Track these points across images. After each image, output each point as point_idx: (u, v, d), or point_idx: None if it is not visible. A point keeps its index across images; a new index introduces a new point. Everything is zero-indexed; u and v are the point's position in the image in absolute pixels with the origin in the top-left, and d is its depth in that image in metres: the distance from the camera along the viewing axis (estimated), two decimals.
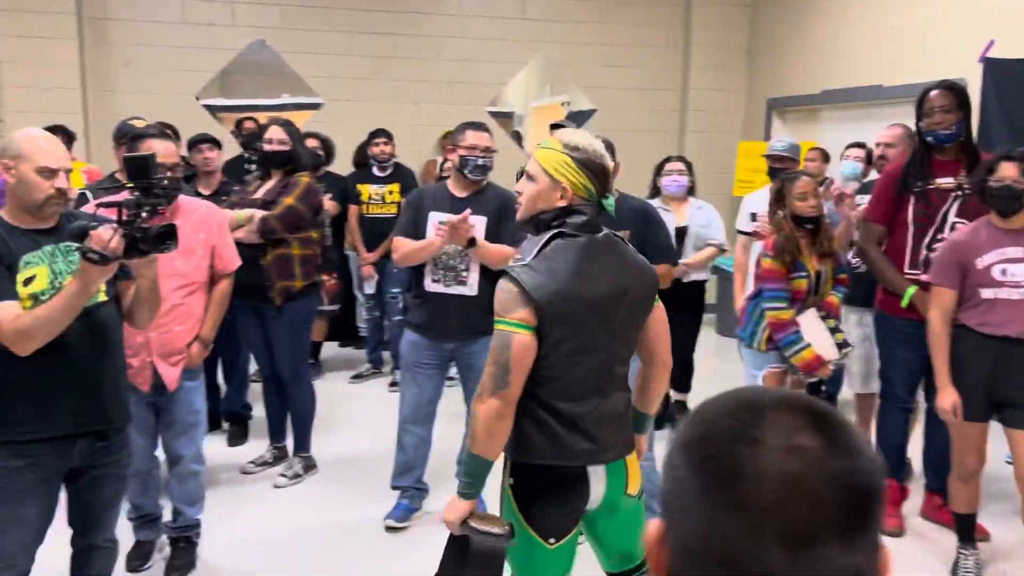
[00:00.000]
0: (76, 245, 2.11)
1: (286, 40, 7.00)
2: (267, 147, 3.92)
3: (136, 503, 3.25)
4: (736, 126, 7.93)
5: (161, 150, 2.92)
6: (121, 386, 2.43)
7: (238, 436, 4.61)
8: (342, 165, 5.94)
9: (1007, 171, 2.95)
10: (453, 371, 3.75)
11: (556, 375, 2.03)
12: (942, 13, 5.52)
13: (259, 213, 3.77)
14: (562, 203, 2.06)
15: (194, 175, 4.59)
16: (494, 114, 7.34)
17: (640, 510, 2.27)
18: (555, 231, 2.05)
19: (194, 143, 4.62)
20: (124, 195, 2.19)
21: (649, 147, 6.64)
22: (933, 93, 3.36)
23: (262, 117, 6.21)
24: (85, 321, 2.21)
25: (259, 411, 4.67)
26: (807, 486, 0.66)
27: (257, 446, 4.45)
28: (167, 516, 3.35)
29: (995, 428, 3.16)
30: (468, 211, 3.21)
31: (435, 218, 3.36)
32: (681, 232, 4.48)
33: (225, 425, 4.70)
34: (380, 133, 5.70)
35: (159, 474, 3.32)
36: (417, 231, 3.42)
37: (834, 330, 3.48)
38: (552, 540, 2.09)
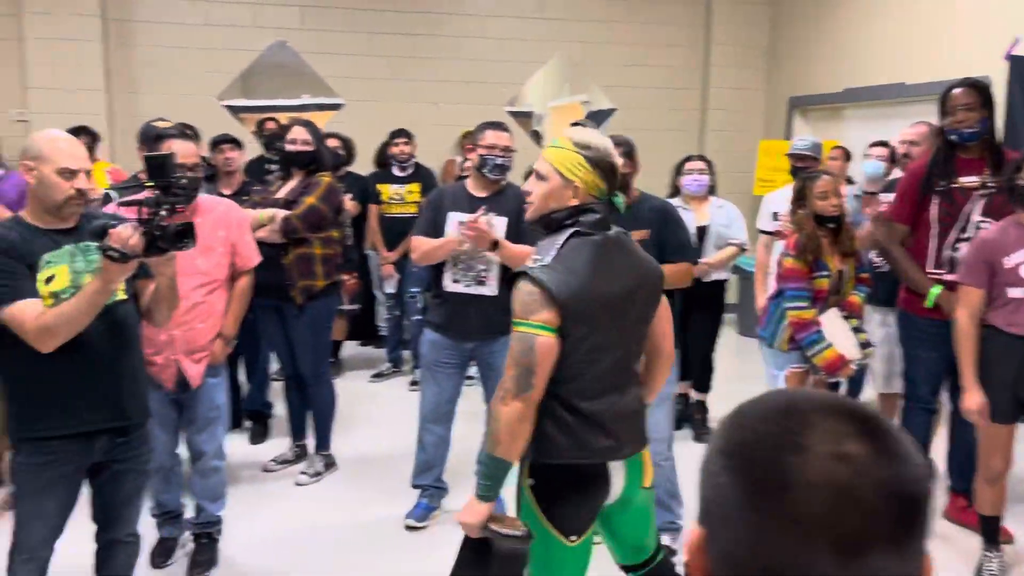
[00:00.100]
0: (97, 243, 2.14)
1: (307, 41, 7.04)
2: (291, 147, 3.95)
3: (159, 500, 3.29)
4: (757, 125, 7.89)
5: (181, 151, 2.95)
6: (140, 383, 2.45)
7: (259, 434, 4.65)
8: (362, 165, 5.97)
9: None
10: (473, 370, 3.76)
11: (576, 374, 2.03)
12: (967, 10, 5.46)
13: (281, 213, 3.80)
14: (574, 202, 2.07)
15: (215, 175, 4.63)
16: (513, 114, 7.35)
17: (652, 502, 2.30)
18: (572, 230, 2.05)
19: (216, 143, 4.66)
20: (145, 194, 2.22)
21: (669, 146, 6.62)
22: (956, 91, 3.32)
23: (283, 118, 6.26)
24: (104, 319, 2.24)
25: (280, 409, 4.71)
26: (857, 495, 0.65)
27: (278, 444, 4.48)
28: (189, 513, 3.39)
29: (1021, 429, 3.13)
30: (482, 210, 3.21)
31: (455, 218, 3.37)
32: (702, 231, 4.46)
33: (247, 423, 4.73)
34: (400, 133, 5.72)
35: (181, 471, 3.36)
36: (436, 231, 3.42)
37: (856, 330, 3.45)
38: (573, 538, 2.10)
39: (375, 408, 5.20)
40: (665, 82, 7.76)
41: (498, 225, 3.30)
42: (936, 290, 3.36)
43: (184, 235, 2.20)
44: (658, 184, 4.31)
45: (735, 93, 7.81)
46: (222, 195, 4.09)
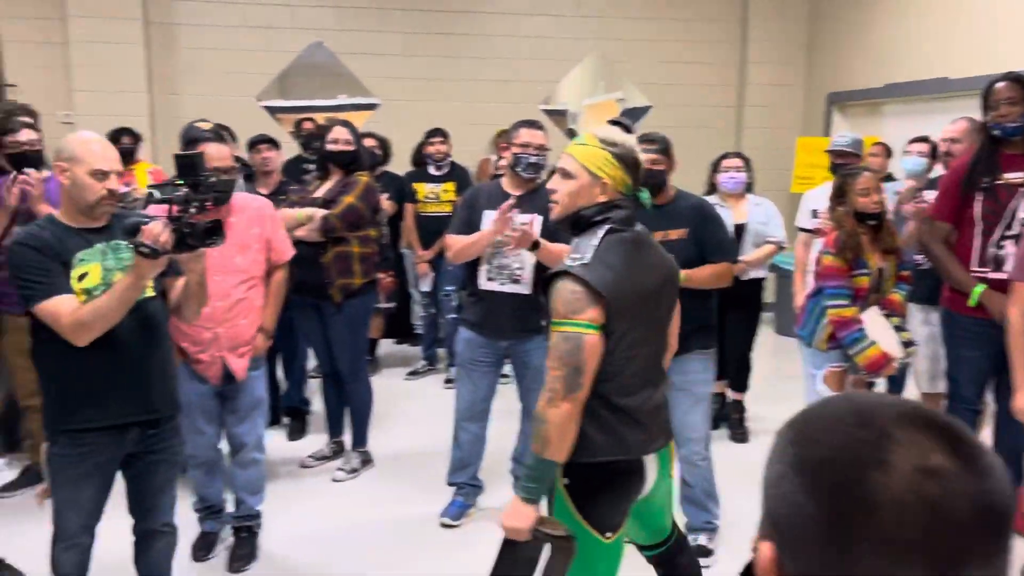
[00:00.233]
0: (129, 240, 2.21)
1: (343, 41, 7.10)
2: (332, 147, 3.99)
3: (201, 494, 3.35)
4: (795, 121, 7.79)
5: (215, 154, 3.02)
6: (169, 377, 2.52)
7: (297, 431, 4.71)
8: (399, 164, 6.00)
9: None
10: (508, 368, 3.77)
11: (617, 371, 2.04)
12: (1011, 2, 5.34)
13: (320, 212, 3.84)
14: (602, 199, 2.08)
15: (252, 175, 4.69)
16: (548, 112, 7.34)
17: (672, 487, 2.32)
18: (607, 227, 2.06)
19: (253, 144, 4.73)
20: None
21: (705, 144, 6.57)
22: (999, 85, 3.25)
23: (320, 118, 6.33)
24: (134, 316, 2.31)
25: (317, 406, 4.77)
26: (948, 512, 0.63)
27: (316, 440, 4.53)
28: (230, 507, 3.44)
29: None
30: (510, 201, 3.20)
31: (489, 217, 3.38)
32: (739, 229, 4.42)
33: (285, 420, 4.79)
34: (436, 132, 5.75)
35: (223, 465, 3.41)
36: (471, 229, 3.43)
37: (899, 328, 3.40)
38: (609, 534, 2.11)
39: (411, 406, 5.24)
40: (701, 79, 7.70)
41: (533, 223, 3.30)
42: (979, 289, 3.30)
43: (213, 232, 2.25)
44: (694, 182, 4.28)
45: (773, 89, 7.72)
46: (260, 195, 4.15)
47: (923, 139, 4.42)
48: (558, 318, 1.98)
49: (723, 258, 3.16)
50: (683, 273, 2.98)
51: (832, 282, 3.32)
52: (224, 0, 6.95)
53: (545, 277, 2.07)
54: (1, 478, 3.93)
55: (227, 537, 3.46)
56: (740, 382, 4.78)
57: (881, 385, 4.19)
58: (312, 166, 4.94)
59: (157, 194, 2.28)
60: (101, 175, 2.28)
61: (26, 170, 3.43)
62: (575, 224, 2.11)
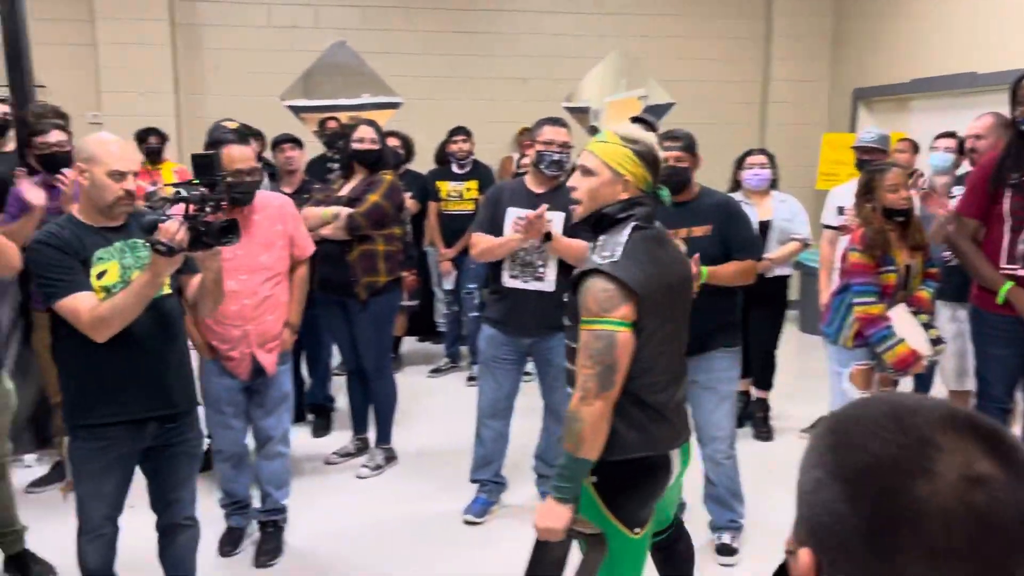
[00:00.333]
0: (146, 238, 2.26)
1: (366, 41, 7.13)
2: (358, 146, 4.02)
3: (227, 489, 3.39)
4: (820, 117, 7.72)
5: (239, 155, 3.06)
6: (186, 372, 2.56)
7: (322, 428, 4.74)
8: (422, 163, 6.03)
9: None
10: (530, 366, 3.77)
11: (647, 367, 2.04)
12: None
13: (345, 210, 3.87)
14: (624, 196, 2.08)
15: (275, 174, 4.73)
16: (571, 110, 7.33)
17: (682, 479, 2.33)
18: (633, 224, 2.06)
19: (276, 143, 4.77)
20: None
21: (729, 140, 6.52)
22: None
23: (344, 117, 6.36)
24: (151, 312, 2.36)
25: (341, 403, 4.80)
26: (996, 520, 0.62)
27: (340, 437, 4.57)
28: (256, 503, 3.47)
29: None
30: (544, 207, 3.22)
31: (513, 214, 3.38)
32: (764, 226, 4.39)
33: (309, 417, 4.83)
34: (459, 131, 5.77)
35: (249, 460, 3.45)
36: (495, 227, 3.44)
37: (927, 325, 3.36)
38: (638, 530, 2.11)
39: (433, 403, 5.25)
40: (725, 75, 7.65)
41: (554, 220, 3.31)
42: (1007, 286, 3.25)
43: (228, 231, 2.29)
44: (718, 179, 4.26)
45: (797, 85, 7.65)
46: (284, 193, 4.19)
47: (950, 135, 4.36)
48: (589, 316, 1.98)
49: (748, 255, 3.14)
50: (706, 270, 2.98)
51: (859, 279, 3.29)
52: (248, 1, 7.01)
53: (574, 276, 2.07)
54: (32, 474, 3.99)
55: (253, 532, 3.50)
56: (765, 380, 4.75)
57: (908, 383, 4.15)
58: (336, 165, 4.97)
59: (184, 192, 2.31)
60: (119, 175, 2.33)
61: (63, 171, 3.49)
62: (598, 222, 2.11)
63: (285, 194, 4.07)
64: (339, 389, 4.93)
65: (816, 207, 5.25)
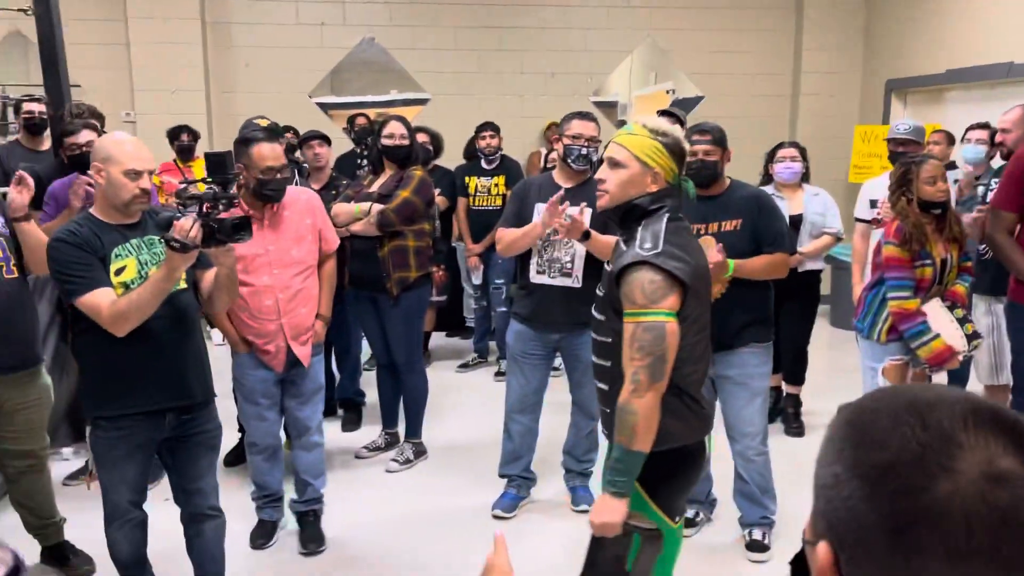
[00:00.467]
0: (161, 235, 2.33)
1: (395, 37, 7.16)
2: (388, 142, 4.04)
3: (259, 482, 3.42)
4: (852, 110, 7.62)
5: (269, 153, 3.10)
6: (202, 364, 2.62)
7: (352, 422, 4.78)
8: (450, 158, 6.04)
9: None
10: (558, 361, 3.77)
11: (686, 357, 2.05)
12: None
13: (376, 206, 3.89)
14: (653, 188, 2.09)
15: (302, 170, 4.77)
16: (599, 104, 7.30)
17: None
18: (667, 215, 2.08)
19: (304, 140, 4.81)
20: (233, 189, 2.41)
21: (759, 134, 6.48)
22: None
23: (372, 113, 6.39)
24: (168, 307, 2.42)
25: (371, 398, 4.83)
26: (1019, 519, 0.61)
27: (370, 432, 4.60)
28: (292, 494, 3.51)
29: None
30: (561, 192, 3.20)
31: (540, 209, 3.38)
32: (795, 220, 4.34)
33: (339, 411, 4.87)
34: (487, 126, 5.77)
35: (282, 454, 3.48)
36: (522, 222, 3.43)
37: (963, 320, 3.30)
38: (677, 519, 2.13)
39: (462, 398, 5.27)
40: (755, 68, 7.57)
41: (585, 215, 3.29)
42: None
43: (241, 228, 2.35)
44: (749, 173, 4.22)
45: (829, 77, 7.55)
46: (312, 189, 4.23)
47: (983, 126, 4.29)
48: (636, 308, 1.98)
49: (778, 249, 3.11)
50: (734, 263, 2.96)
51: (895, 273, 3.24)
52: None
53: (616, 269, 2.06)
54: (69, 467, 4.07)
55: (285, 525, 3.53)
56: (796, 375, 4.70)
57: (942, 378, 4.09)
58: (365, 161, 5.00)
59: (217, 191, 2.36)
60: (134, 174, 2.40)
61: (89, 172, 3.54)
62: (627, 214, 2.12)
63: (313, 190, 4.10)
64: (368, 384, 4.96)
65: (848, 200, 5.19)
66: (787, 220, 4.13)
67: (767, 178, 4.53)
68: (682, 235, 2.09)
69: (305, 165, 4.83)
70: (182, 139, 6.07)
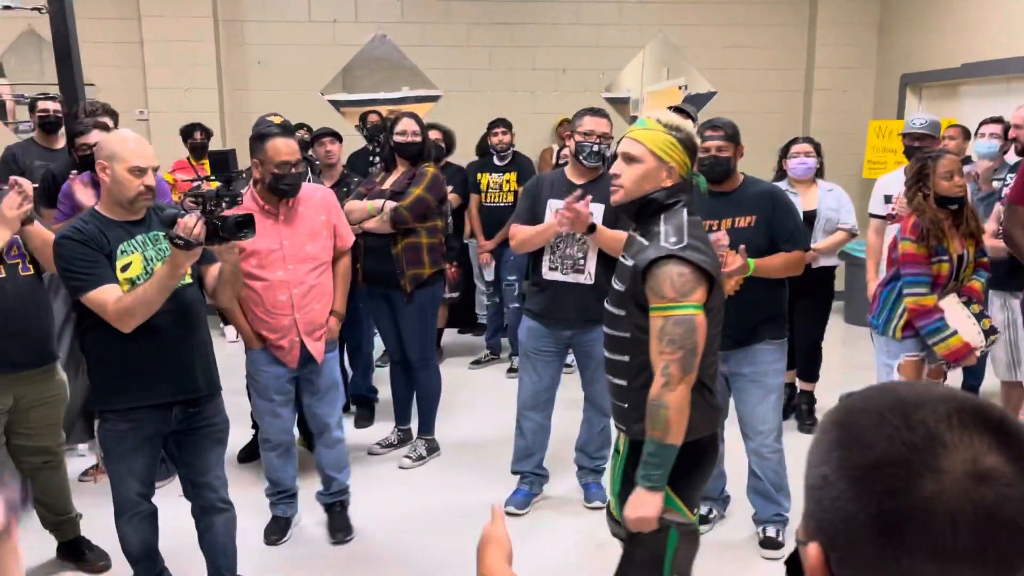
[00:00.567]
0: (166, 232, 2.36)
1: (406, 34, 7.16)
2: (400, 139, 4.04)
3: (273, 478, 3.44)
4: (866, 105, 7.56)
5: (284, 148, 3.11)
6: (208, 358, 2.65)
7: (365, 418, 4.79)
8: (460, 155, 6.04)
9: None
10: (570, 358, 3.76)
11: (707, 349, 2.06)
12: None
13: (389, 203, 3.90)
14: (668, 183, 2.10)
15: (313, 167, 4.77)
16: (611, 100, 7.28)
17: None
18: (684, 210, 2.10)
19: (316, 137, 4.82)
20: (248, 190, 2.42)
21: (772, 129, 6.44)
22: None
23: (384, 110, 6.40)
24: (173, 302, 2.45)
25: (383, 394, 4.84)
26: (1003, 517, 0.61)
27: (383, 428, 4.60)
28: (318, 486, 3.54)
29: None
30: (578, 192, 3.19)
31: (553, 205, 3.37)
32: (809, 216, 4.31)
33: (352, 408, 4.88)
34: (499, 123, 5.76)
35: (296, 451, 3.50)
36: (534, 219, 3.43)
37: (980, 316, 3.27)
38: (695, 511, 2.13)
39: (474, 395, 5.27)
40: (768, 63, 7.53)
41: (595, 211, 3.28)
42: None
43: (244, 226, 2.38)
44: (762, 169, 4.20)
45: (843, 72, 7.50)
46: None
47: (996, 120, 4.25)
48: (665, 302, 1.99)
49: (794, 246, 3.09)
50: (753, 262, 2.94)
51: (911, 269, 3.21)
52: None
53: (643, 264, 2.05)
54: (85, 462, 4.10)
55: (299, 521, 3.55)
56: (810, 372, 4.67)
57: (958, 374, 4.06)
58: (377, 158, 5.00)
59: (231, 188, 2.38)
60: (139, 171, 2.43)
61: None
62: (642, 208, 2.12)
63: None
64: (380, 381, 4.97)
65: (862, 196, 5.15)
66: (801, 216, 4.12)
67: (781, 174, 4.51)
68: (699, 229, 2.11)
69: (317, 162, 4.84)
70: (195, 137, 6.10)
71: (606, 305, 2.22)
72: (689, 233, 2.04)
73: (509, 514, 3.65)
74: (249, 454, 4.18)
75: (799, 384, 4.72)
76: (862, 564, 0.66)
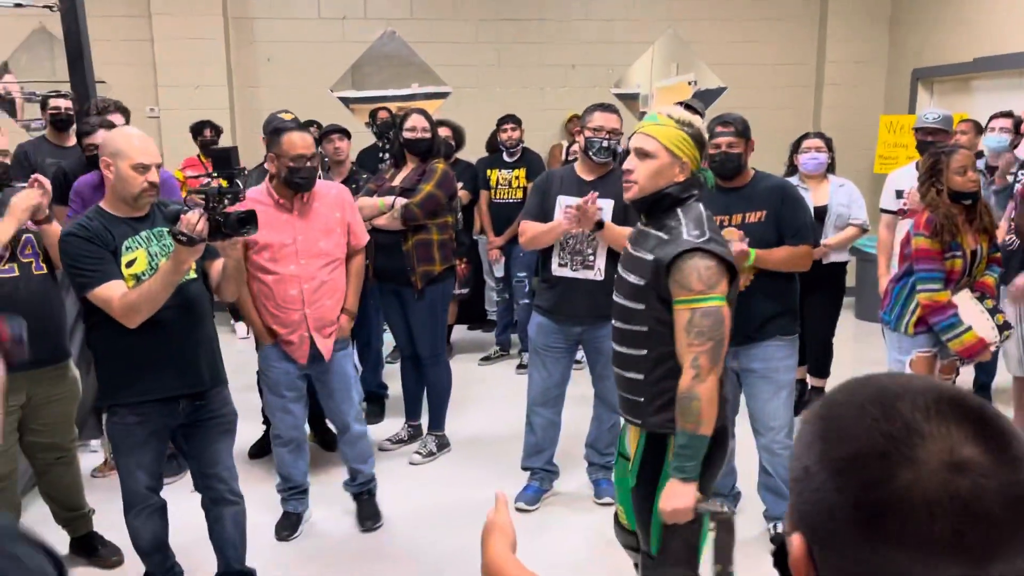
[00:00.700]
0: (169, 228, 2.39)
1: (415, 30, 7.16)
2: (410, 135, 4.05)
3: (284, 474, 3.45)
4: (877, 99, 7.52)
5: (300, 143, 3.12)
6: (214, 352, 2.68)
7: (375, 415, 4.79)
8: (470, 151, 6.03)
9: None
10: (580, 354, 3.76)
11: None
12: None
13: (400, 200, 3.90)
14: (681, 178, 2.12)
15: (323, 163, 4.78)
16: (621, 96, 7.26)
17: None
18: (699, 204, 2.12)
19: (325, 134, 4.82)
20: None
21: (782, 124, 6.42)
22: None
23: (394, 107, 6.40)
24: (178, 297, 2.48)
25: (393, 390, 4.85)
26: (980, 507, 0.61)
27: (393, 424, 4.61)
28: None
29: None
30: (594, 193, 3.20)
31: (563, 202, 3.37)
32: (821, 212, 4.29)
33: (363, 404, 4.88)
34: (508, 119, 5.75)
35: (307, 447, 3.51)
36: (544, 215, 3.43)
37: (993, 311, 3.25)
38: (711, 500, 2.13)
39: (484, 391, 5.27)
40: (778, 58, 7.49)
41: (604, 207, 3.28)
42: None
43: (246, 222, 2.40)
44: (773, 164, 4.18)
45: (853, 67, 7.46)
46: None
47: (1006, 114, 4.22)
48: (692, 295, 2.00)
49: (800, 241, 3.07)
50: (756, 253, 2.94)
51: (925, 265, 3.19)
52: None
53: (667, 257, 2.04)
54: (97, 459, 4.12)
55: (310, 517, 3.56)
56: (821, 368, 4.66)
57: (969, 369, 4.04)
58: (387, 155, 5.00)
59: (239, 184, 2.39)
60: (143, 168, 2.45)
61: None
62: (655, 203, 2.12)
63: None
64: (389, 377, 4.98)
65: (873, 191, 5.13)
66: (812, 211, 4.10)
67: (792, 169, 4.49)
68: (713, 222, 2.13)
69: (326, 159, 4.84)
70: (205, 134, 6.11)
71: (616, 299, 2.22)
72: (709, 227, 2.07)
73: (519, 510, 3.66)
74: (260, 450, 4.20)
75: (810, 380, 4.70)
76: (843, 554, 0.67)
